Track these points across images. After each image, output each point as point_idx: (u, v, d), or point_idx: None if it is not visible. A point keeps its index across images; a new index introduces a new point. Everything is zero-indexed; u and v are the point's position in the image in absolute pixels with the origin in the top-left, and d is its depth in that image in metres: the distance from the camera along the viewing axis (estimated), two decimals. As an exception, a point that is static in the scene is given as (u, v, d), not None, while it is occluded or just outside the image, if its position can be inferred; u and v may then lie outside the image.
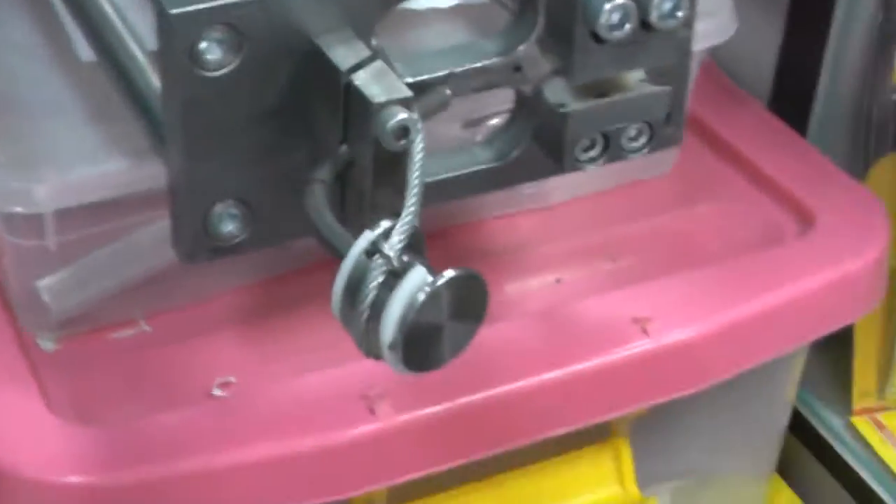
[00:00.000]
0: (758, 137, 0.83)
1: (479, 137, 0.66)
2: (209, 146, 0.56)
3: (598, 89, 0.61)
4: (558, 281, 0.75)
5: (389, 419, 0.62)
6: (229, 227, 0.58)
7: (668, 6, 0.58)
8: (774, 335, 0.74)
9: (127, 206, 0.66)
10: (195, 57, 0.53)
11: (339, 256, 0.51)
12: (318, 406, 0.63)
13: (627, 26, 0.57)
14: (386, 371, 0.63)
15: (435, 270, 0.49)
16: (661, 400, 0.70)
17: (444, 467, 0.65)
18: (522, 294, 0.73)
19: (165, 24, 0.53)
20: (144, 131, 0.59)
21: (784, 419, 0.87)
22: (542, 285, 0.74)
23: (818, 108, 0.91)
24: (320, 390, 0.63)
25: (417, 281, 0.49)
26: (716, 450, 0.81)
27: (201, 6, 0.53)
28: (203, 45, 0.53)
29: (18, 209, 0.65)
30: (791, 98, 0.92)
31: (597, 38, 0.58)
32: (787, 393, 0.85)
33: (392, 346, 0.49)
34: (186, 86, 0.54)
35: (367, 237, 0.51)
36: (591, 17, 0.57)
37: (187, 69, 0.53)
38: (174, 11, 0.52)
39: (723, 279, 0.73)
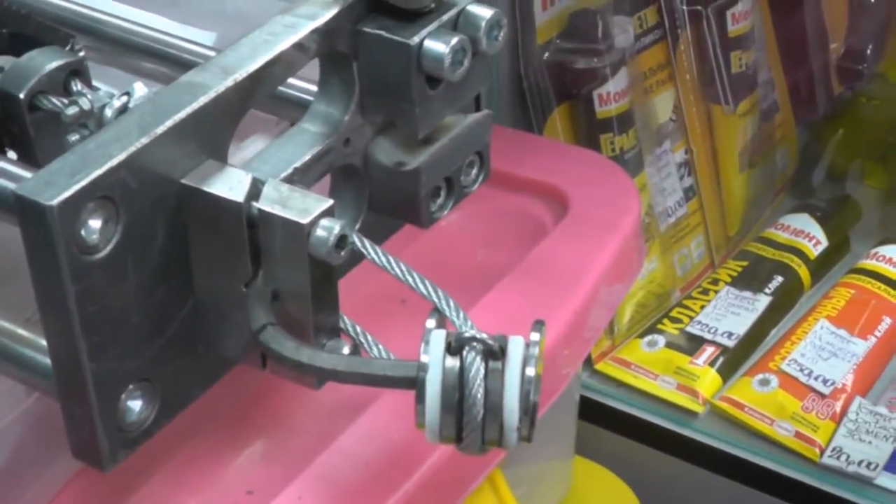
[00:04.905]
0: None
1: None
2: (108, 335, 0.49)
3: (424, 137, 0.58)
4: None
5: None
6: (137, 412, 0.52)
7: (494, 31, 0.56)
8: (584, 322, 0.74)
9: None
10: (80, 244, 0.47)
11: (402, 384, 0.46)
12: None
13: (466, 61, 0.55)
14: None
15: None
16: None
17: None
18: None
19: (42, 218, 0.45)
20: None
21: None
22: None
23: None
24: None
25: (520, 350, 0.45)
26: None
27: (76, 186, 0.46)
28: (84, 227, 0.47)
29: None
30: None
31: (431, 84, 0.55)
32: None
33: (520, 427, 0.45)
34: (77, 278, 0.47)
35: (438, 337, 0.46)
36: (429, 62, 0.54)
37: (75, 260, 0.47)
38: (54, 202, 0.45)
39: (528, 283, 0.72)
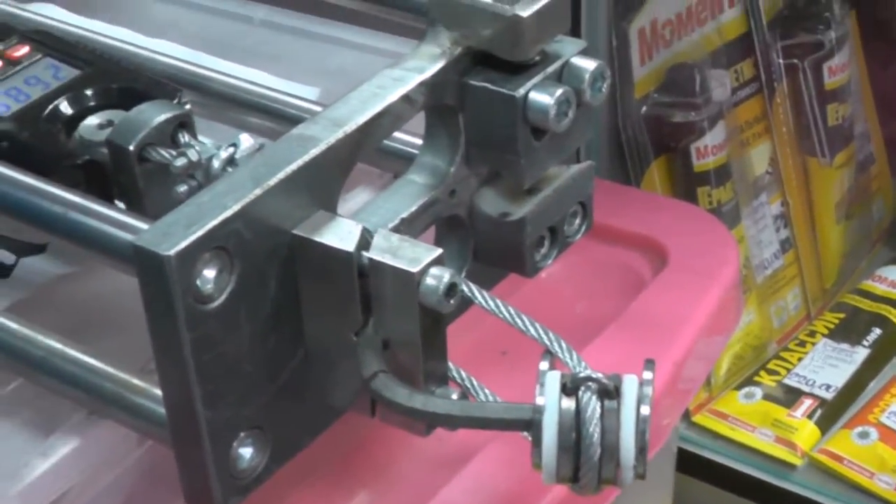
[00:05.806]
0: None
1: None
2: (222, 383, 0.50)
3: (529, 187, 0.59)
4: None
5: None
6: (248, 459, 0.52)
7: (598, 82, 0.56)
8: (683, 374, 0.74)
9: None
10: (196, 293, 0.48)
11: (517, 426, 0.47)
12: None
13: (570, 112, 0.56)
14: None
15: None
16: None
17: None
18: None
19: (160, 268, 0.46)
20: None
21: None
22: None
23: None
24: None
25: (635, 389, 0.46)
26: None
27: (193, 237, 0.47)
28: (200, 277, 0.48)
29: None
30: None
31: (536, 135, 0.56)
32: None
33: (636, 464, 0.46)
34: (193, 326, 0.48)
35: (554, 379, 0.47)
36: (535, 114, 0.55)
37: (191, 309, 0.48)
38: (171, 252, 0.46)
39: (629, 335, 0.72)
